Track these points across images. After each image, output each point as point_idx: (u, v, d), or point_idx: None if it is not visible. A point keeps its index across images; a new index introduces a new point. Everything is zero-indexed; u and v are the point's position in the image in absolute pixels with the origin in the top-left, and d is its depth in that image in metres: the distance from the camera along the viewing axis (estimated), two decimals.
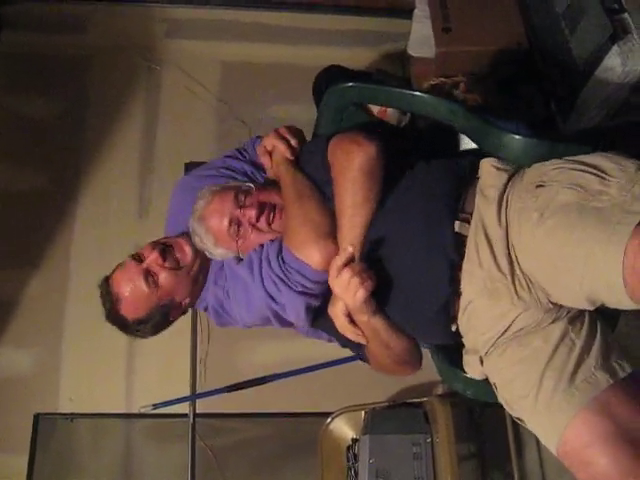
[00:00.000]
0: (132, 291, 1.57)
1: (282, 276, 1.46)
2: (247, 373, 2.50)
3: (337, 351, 1.83)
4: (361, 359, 1.64)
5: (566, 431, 1.19)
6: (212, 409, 2.56)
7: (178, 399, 2.48)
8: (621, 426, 1.16)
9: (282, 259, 1.46)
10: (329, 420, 2.44)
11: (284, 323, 1.58)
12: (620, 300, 1.11)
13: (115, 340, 2.59)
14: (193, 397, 2.51)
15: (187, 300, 1.66)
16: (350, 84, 1.70)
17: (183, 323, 2.63)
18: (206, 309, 1.69)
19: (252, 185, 1.60)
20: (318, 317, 1.56)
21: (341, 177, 1.43)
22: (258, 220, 1.53)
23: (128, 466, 2.72)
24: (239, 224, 1.54)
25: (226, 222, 1.53)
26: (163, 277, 1.57)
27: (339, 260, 1.33)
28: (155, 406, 2.46)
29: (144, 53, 3.13)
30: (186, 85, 3.06)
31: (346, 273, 1.31)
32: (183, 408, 2.48)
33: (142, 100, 3.08)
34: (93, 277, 1.68)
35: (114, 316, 1.62)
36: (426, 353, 1.67)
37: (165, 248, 1.60)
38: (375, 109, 2.11)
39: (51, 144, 2.94)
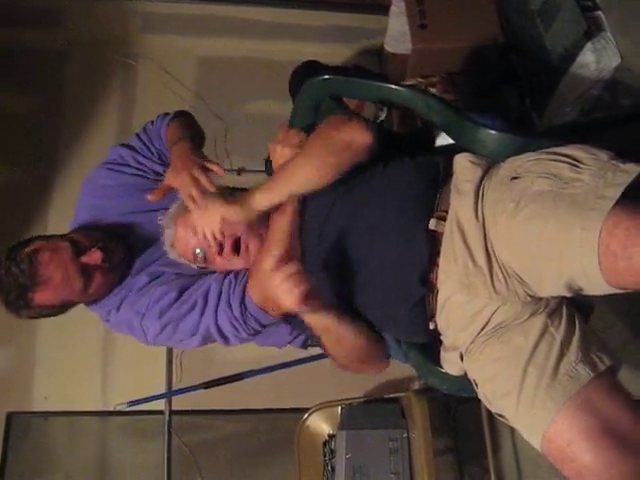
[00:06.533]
0: (61, 282, 1.44)
1: (241, 321, 1.46)
2: (223, 370, 2.49)
3: (312, 347, 1.85)
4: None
5: (549, 428, 1.18)
6: (188, 406, 2.55)
7: (154, 396, 2.46)
8: (603, 420, 1.16)
9: (245, 307, 1.45)
10: (306, 416, 2.45)
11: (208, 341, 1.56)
12: (597, 284, 1.11)
13: (90, 337, 2.61)
14: (169, 394, 2.50)
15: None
16: (328, 76, 1.68)
17: None
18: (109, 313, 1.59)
19: None
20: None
21: (319, 140, 1.42)
22: (221, 253, 1.50)
23: (104, 464, 2.69)
24: (205, 252, 1.51)
25: (191, 254, 1.52)
26: (97, 279, 1.49)
27: (268, 264, 1.29)
28: (131, 403, 2.45)
29: (120, 48, 3.11)
30: (162, 80, 3.04)
31: (277, 278, 1.28)
32: (159, 405, 2.46)
33: (118, 95, 3.06)
34: None
35: (19, 292, 1.42)
36: None
37: (106, 249, 1.50)
38: (352, 104, 2.11)
39: (26, 139, 2.90)
